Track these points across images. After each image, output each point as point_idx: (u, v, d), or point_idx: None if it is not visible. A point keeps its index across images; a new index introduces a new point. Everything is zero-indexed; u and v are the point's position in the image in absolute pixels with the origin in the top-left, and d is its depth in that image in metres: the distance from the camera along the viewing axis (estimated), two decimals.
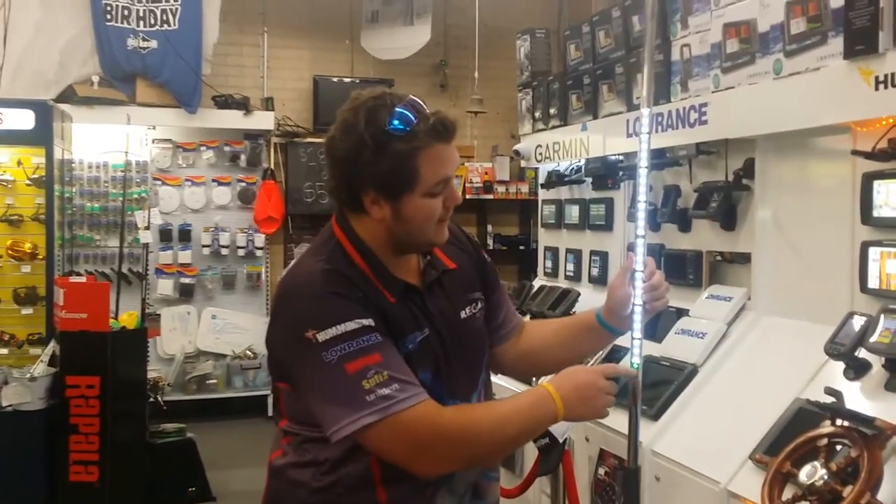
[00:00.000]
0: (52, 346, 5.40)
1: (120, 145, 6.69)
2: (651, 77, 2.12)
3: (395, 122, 1.67)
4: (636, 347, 1.99)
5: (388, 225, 1.75)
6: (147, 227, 6.21)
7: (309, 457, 1.78)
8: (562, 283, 4.07)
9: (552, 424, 1.79)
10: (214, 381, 7.39)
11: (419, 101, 1.73)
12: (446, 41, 8.23)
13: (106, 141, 7.11)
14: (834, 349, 2.23)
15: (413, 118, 1.68)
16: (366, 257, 1.77)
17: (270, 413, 7.32)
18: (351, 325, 1.64)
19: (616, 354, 3.00)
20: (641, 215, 2.05)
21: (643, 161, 2.05)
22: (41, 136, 6.34)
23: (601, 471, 2.79)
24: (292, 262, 1.92)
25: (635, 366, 1.97)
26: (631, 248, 2.06)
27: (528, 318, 4.03)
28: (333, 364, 1.63)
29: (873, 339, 2.15)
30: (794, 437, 2.07)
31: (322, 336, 1.64)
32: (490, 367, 2.12)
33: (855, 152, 2.33)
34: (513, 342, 2.08)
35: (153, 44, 7.08)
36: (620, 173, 3.58)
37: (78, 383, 4.99)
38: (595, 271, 3.80)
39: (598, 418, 1.81)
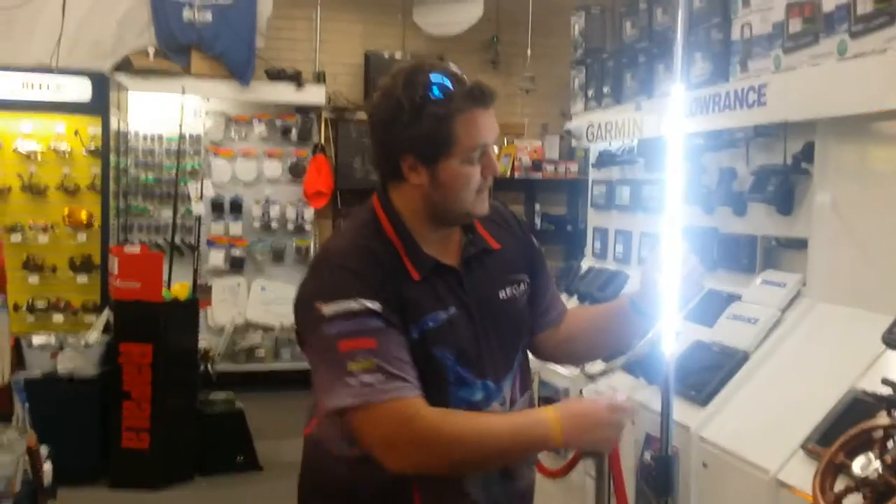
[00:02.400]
0: (107, 314, 5.52)
1: (175, 117, 6.78)
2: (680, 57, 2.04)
3: (433, 87, 1.70)
4: (667, 334, 1.94)
5: (426, 192, 1.77)
6: (200, 199, 6.30)
7: (345, 430, 1.78)
8: (611, 265, 4.03)
9: (546, 449, 1.77)
10: (263, 352, 7.48)
11: (457, 69, 1.76)
12: (499, 17, 8.16)
13: (161, 112, 7.20)
14: (892, 339, 2.17)
15: (449, 83, 1.71)
16: (399, 231, 1.79)
17: None
18: (353, 305, 1.66)
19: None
20: (673, 196, 1.97)
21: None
22: (98, 106, 6.44)
23: (647, 455, 2.77)
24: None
25: (666, 353, 1.94)
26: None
27: (575, 299, 4.01)
28: (330, 339, 1.66)
29: None
30: (848, 427, 2.02)
31: (326, 309, 1.67)
32: (533, 353, 2.11)
33: None
34: (555, 329, 2.07)
35: (208, 16, 7.14)
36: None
37: (131, 351, 5.10)
38: (645, 254, 3.75)
39: (603, 451, 1.78)
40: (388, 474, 1.73)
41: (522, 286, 1.93)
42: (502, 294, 1.88)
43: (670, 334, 1.95)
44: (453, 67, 1.75)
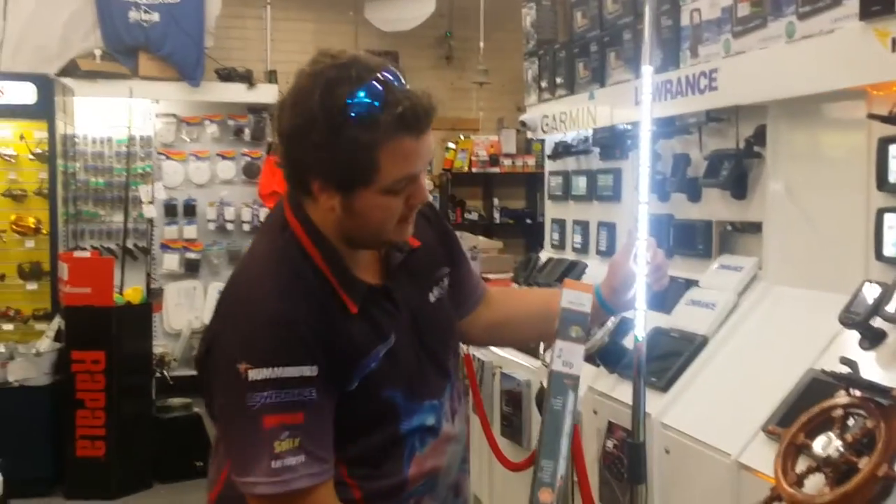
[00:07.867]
0: (58, 322, 5.40)
1: (123, 119, 6.65)
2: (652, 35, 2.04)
3: (356, 106, 1.38)
4: (640, 321, 1.91)
5: (338, 217, 1.49)
6: (151, 202, 6.19)
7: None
8: (569, 256, 4.02)
9: None
10: None
11: (392, 75, 1.43)
12: (451, 12, 8.14)
13: (109, 115, 7.07)
14: (848, 318, 2.18)
15: (380, 103, 1.39)
16: (326, 256, 1.52)
17: None
18: (289, 371, 1.42)
19: (623, 326, 2.95)
20: (644, 183, 1.94)
21: (646, 127, 1.95)
22: (43, 110, 6.30)
23: (609, 443, 2.75)
24: (245, 255, 1.63)
25: (638, 339, 1.91)
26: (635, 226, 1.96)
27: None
28: (254, 410, 1.42)
29: (889, 307, 2.10)
30: (807, 407, 2.02)
31: (253, 374, 1.41)
32: (460, 339, 1.91)
33: (871, 116, 2.26)
34: (479, 311, 1.89)
35: (155, 17, 7.02)
36: (629, 142, 3.52)
37: (83, 358, 5.00)
38: (602, 243, 3.74)
39: None
40: None
41: (446, 280, 1.74)
42: (431, 297, 1.68)
43: (641, 322, 1.90)
44: (390, 75, 1.42)
